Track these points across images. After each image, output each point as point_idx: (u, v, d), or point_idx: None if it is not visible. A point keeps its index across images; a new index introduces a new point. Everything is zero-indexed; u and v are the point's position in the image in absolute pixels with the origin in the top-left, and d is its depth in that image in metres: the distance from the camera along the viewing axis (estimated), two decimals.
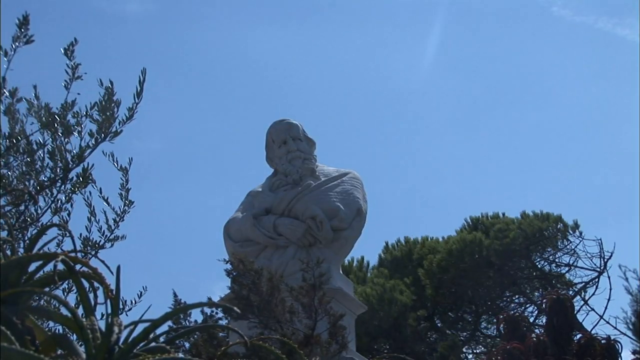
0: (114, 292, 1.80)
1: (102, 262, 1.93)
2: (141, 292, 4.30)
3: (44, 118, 3.84)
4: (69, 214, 4.15)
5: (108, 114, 3.92)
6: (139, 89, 4.04)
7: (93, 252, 4.15)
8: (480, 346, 18.76)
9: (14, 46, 3.67)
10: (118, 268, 1.84)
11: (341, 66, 29.01)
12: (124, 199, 4.34)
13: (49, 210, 4.08)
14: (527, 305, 18.38)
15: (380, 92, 29.38)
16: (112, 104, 3.97)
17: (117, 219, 4.31)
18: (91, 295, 1.79)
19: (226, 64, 29.17)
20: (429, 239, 20.14)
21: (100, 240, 4.27)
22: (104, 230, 4.24)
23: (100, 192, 4.28)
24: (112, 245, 4.23)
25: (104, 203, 4.28)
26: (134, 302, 4.28)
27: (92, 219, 4.28)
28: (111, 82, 3.96)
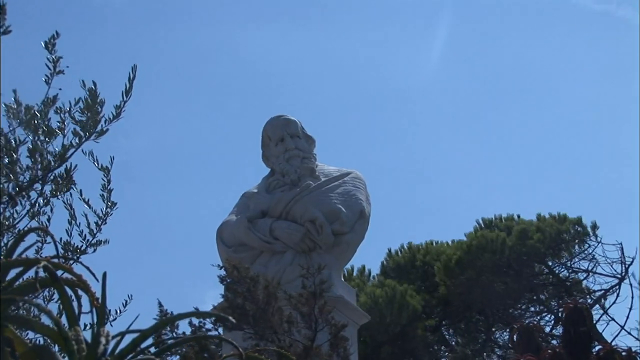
0: (99, 301, 1.80)
1: (87, 268, 1.94)
2: (126, 301, 4.30)
3: (23, 116, 3.84)
4: (48, 219, 4.15)
5: (92, 112, 3.92)
6: (127, 86, 4.04)
7: (74, 258, 4.15)
8: (493, 358, 18.79)
9: None
10: (104, 275, 1.84)
11: (344, 64, 29.38)
12: (106, 201, 4.34)
13: (27, 214, 4.08)
14: (543, 314, 18.41)
15: (383, 91, 29.64)
16: (96, 104, 3.98)
17: (100, 222, 4.31)
18: (75, 304, 1.80)
19: (220, 58, 29.24)
20: (435, 244, 20.17)
21: (82, 245, 4.27)
22: (85, 235, 4.24)
23: (81, 194, 4.27)
24: (94, 251, 4.24)
25: (85, 205, 4.28)
26: (118, 311, 4.29)
27: (73, 222, 4.27)
28: (94, 84, 3.96)
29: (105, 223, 4.26)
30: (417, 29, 29.35)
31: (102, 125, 4.05)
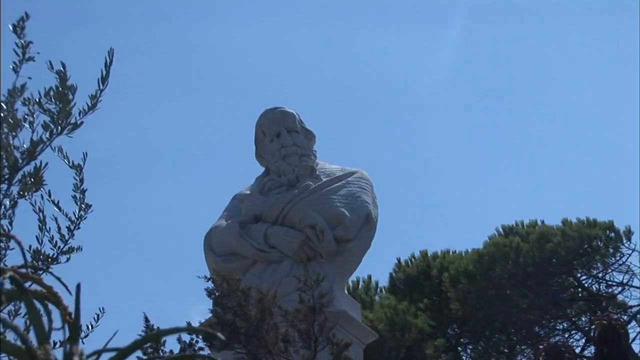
0: (72, 316, 1.80)
1: (58, 279, 1.93)
2: (98, 315, 4.29)
3: None
4: (10, 222, 4.14)
5: (64, 101, 3.91)
6: (104, 73, 4.04)
7: (44, 267, 4.15)
8: None
9: None
10: (78, 287, 1.83)
11: (355, 63, 30.55)
12: (79, 203, 4.33)
13: None
14: (572, 333, 18.38)
15: (394, 89, 30.67)
16: (66, 90, 3.96)
17: (72, 227, 4.30)
18: (45, 319, 1.79)
19: (216, 50, 29.40)
20: (452, 253, 20.19)
21: (53, 253, 4.26)
22: (56, 241, 4.22)
23: (50, 195, 4.26)
24: (67, 260, 4.22)
25: (55, 208, 4.27)
26: (90, 326, 4.28)
27: (43, 227, 4.27)
28: (63, 66, 3.95)
29: (79, 228, 4.25)
30: (430, 27, 30.65)
31: (75, 118, 4.04)
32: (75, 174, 4.26)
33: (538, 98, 30.27)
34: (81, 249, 4.25)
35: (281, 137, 9.74)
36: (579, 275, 18.25)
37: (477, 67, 30.47)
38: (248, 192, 9.79)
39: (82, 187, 4.26)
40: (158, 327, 7.01)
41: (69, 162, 4.19)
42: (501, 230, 19.61)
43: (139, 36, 27.78)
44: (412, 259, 20.39)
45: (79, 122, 3.99)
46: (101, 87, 3.97)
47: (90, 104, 4.00)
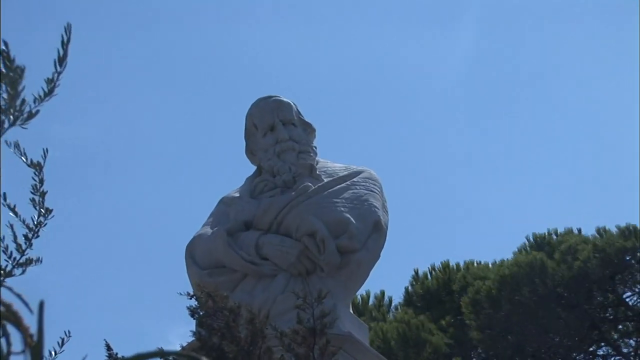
0: (34, 338, 1.81)
1: (18, 296, 1.95)
2: (63, 339, 4.29)
3: None
4: None
5: (12, 84, 3.90)
6: (61, 53, 4.02)
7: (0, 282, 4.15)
8: None
9: None
10: (41, 305, 1.84)
11: (365, 58, 32.71)
12: (38, 207, 4.32)
13: None
14: (615, 358, 18.34)
15: (409, 86, 30.93)
16: (12, 72, 3.94)
17: (30, 236, 4.29)
18: (3, 342, 1.81)
19: (202, 33, 29.44)
20: (476, 264, 20.19)
21: (7, 265, 4.25)
22: (11, 252, 4.22)
23: (5, 199, 4.25)
24: (23, 272, 4.21)
25: (11, 214, 4.26)
26: (54, 352, 4.28)
27: None
28: (6, 44, 3.94)
29: (38, 236, 4.24)
30: (443, 23, 32.97)
31: (30, 106, 4.02)
32: (34, 173, 4.24)
33: (572, 93, 30.48)
34: (41, 261, 4.23)
35: (276, 131, 9.74)
36: (620, 292, 18.21)
37: (497, 61, 31.04)
38: (237, 194, 9.77)
39: (41, 189, 4.23)
40: (123, 357, 7.00)
41: (26, 159, 4.17)
42: (532, 239, 19.62)
43: (116, 19, 27.84)
44: (432, 271, 20.42)
45: (34, 111, 3.97)
46: (58, 69, 3.94)
47: (46, 90, 3.97)
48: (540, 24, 31.19)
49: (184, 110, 30.57)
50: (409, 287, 20.40)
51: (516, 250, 19.50)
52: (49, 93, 3.99)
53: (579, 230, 19.52)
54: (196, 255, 9.48)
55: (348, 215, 9.21)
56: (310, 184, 9.46)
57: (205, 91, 31.00)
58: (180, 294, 7.82)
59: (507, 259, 19.42)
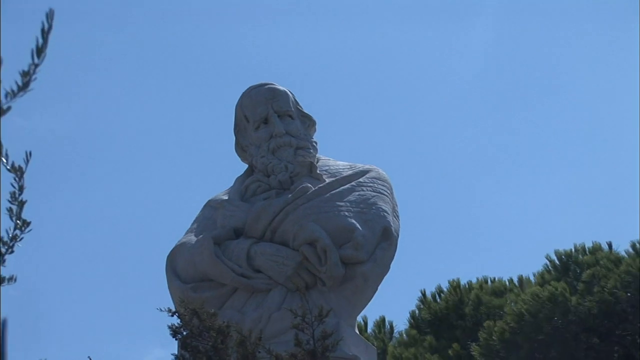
0: None
1: None
2: None
3: None
4: None
5: None
6: (40, 42, 3.92)
7: None
8: None
9: None
10: (3, 323, 1.79)
11: (379, 53, 33.38)
12: (15, 219, 4.26)
13: None
14: None
15: (424, 84, 33.24)
16: None
17: (4, 251, 4.23)
18: None
19: (191, 22, 29.65)
20: (491, 282, 20.11)
21: None
22: None
23: None
24: None
25: None
26: None
27: None
28: None
29: (12, 252, 4.16)
30: (459, 18, 33.67)
31: (1, 100, 3.91)
32: (14, 179, 4.14)
33: (599, 90, 30.81)
34: (15, 280, 4.15)
35: (270, 124, 9.71)
36: None
37: (517, 58, 31.71)
38: (225, 197, 9.74)
39: (20, 198, 4.13)
40: None
41: (7, 163, 4.07)
42: (554, 257, 19.54)
43: (100, 6, 28.10)
44: (441, 292, 20.33)
45: (5, 107, 3.86)
46: (36, 60, 3.84)
47: (21, 84, 3.86)
48: (561, 18, 31.54)
49: (168, 102, 30.78)
50: (415, 311, 20.33)
51: (537, 272, 19.43)
52: (24, 88, 3.89)
53: (609, 245, 19.42)
54: (178, 267, 9.45)
55: (353, 221, 9.18)
56: (309, 185, 9.43)
57: (193, 81, 31.41)
58: (161, 310, 7.81)
59: (526, 276, 19.38)
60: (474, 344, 18.08)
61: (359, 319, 19.00)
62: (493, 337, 17.81)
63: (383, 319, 20.50)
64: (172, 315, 7.76)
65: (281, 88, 9.95)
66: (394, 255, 9.44)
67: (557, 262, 19.58)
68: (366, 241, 9.12)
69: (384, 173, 9.88)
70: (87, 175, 29.54)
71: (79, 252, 28.55)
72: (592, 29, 32.41)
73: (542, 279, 19.19)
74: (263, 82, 10.03)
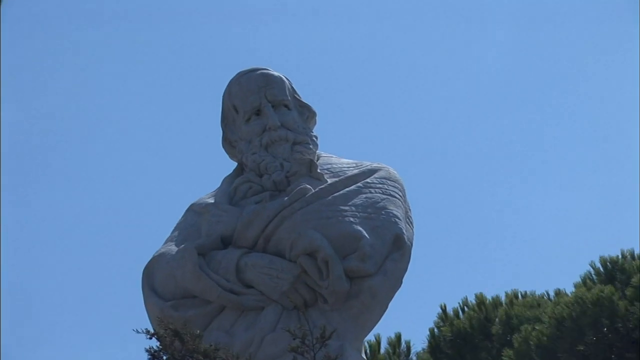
0: None
1: None
2: None
3: None
4: None
5: None
6: None
7: None
8: None
9: None
10: None
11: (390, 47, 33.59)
12: None
13: None
14: None
15: (443, 77, 32.45)
16: None
17: None
18: None
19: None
20: (522, 296, 20.03)
21: None
22: None
23: None
24: None
25: None
26: None
27: None
28: None
29: None
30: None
31: None
32: None
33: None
34: None
35: (263, 115, 9.69)
36: None
37: (548, 48, 31.71)
38: (211, 200, 9.69)
39: None
40: None
41: None
42: (599, 265, 19.50)
43: None
44: (464, 307, 20.32)
45: None
46: None
47: None
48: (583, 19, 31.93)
49: (146, 92, 30.86)
50: (435, 329, 20.26)
51: (579, 280, 19.32)
52: None
53: None
54: (156, 281, 9.42)
55: (359, 228, 9.13)
56: (308, 186, 9.37)
57: (176, 68, 31.38)
58: (137, 331, 7.83)
59: (564, 290, 19.31)
60: (506, 348, 18.09)
61: (371, 337, 19.09)
62: (529, 343, 17.77)
63: (399, 337, 20.41)
64: (150, 338, 7.80)
65: (276, 73, 9.93)
66: (407, 267, 9.37)
67: (601, 269, 19.52)
68: (374, 251, 9.06)
69: (396, 172, 9.83)
70: (50, 175, 29.60)
71: (50, 257, 28.60)
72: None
73: (585, 287, 19.12)
74: (254, 66, 10.01)
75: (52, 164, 30.42)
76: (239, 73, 9.95)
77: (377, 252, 9.09)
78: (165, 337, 7.67)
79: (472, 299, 20.43)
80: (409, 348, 20.06)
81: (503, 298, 20.32)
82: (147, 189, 29.68)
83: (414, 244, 9.51)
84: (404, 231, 9.34)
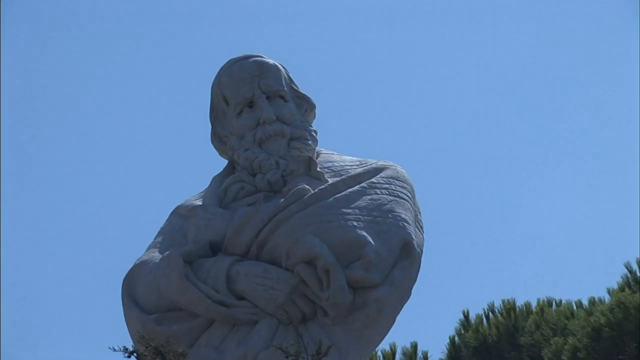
0: None
1: None
2: None
3: None
4: None
5: None
6: None
7: None
8: None
9: None
10: None
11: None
12: None
13: None
14: None
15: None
16: None
17: None
18: None
19: None
20: (555, 305, 20.00)
21: None
22: None
23: None
24: None
25: None
26: None
27: None
28: None
29: None
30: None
31: None
32: None
33: None
34: None
35: (256, 107, 9.68)
36: None
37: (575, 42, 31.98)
38: (199, 202, 9.69)
39: None
40: None
41: None
42: (635, 268, 19.53)
43: None
44: (489, 314, 20.32)
45: None
46: None
47: None
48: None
49: (128, 83, 31.11)
50: (456, 338, 20.28)
51: (613, 285, 19.28)
52: None
53: None
54: (137, 292, 9.41)
55: (364, 233, 9.12)
56: (307, 187, 9.35)
57: (159, 54, 31.64)
58: (114, 349, 7.81)
59: (601, 298, 19.25)
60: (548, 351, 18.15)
61: (385, 346, 19.13)
62: (563, 355, 17.74)
63: (415, 347, 20.41)
64: (129, 356, 7.82)
65: (271, 61, 9.90)
66: (416, 276, 9.36)
67: (639, 272, 19.57)
68: (380, 259, 9.04)
69: (404, 171, 9.79)
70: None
71: (23, 265, 28.87)
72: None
73: (621, 292, 19.11)
74: (247, 53, 9.99)
75: (47, 162, 30.70)
76: (229, 60, 9.92)
77: (384, 259, 9.06)
78: (146, 355, 7.72)
79: (498, 305, 20.46)
80: (426, 358, 20.05)
81: (534, 305, 20.32)
82: (128, 190, 29.91)
83: (423, 251, 9.51)
84: (413, 236, 9.31)
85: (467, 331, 20.23)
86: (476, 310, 20.62)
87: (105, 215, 29.47)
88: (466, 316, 20.54)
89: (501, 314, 20.24)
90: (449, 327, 20.53)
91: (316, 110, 10.10)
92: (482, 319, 20.42)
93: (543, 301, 20.47)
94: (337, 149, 10.16)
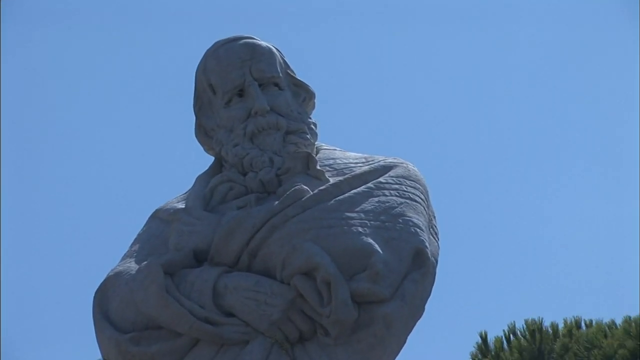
0: None
1: None
2: None
3: None
4: None
5: None
6: None
7: None
8: None
9: None
10: None
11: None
12: None
13: None
14: None
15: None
16: None
17: None
18: None
19: None
20: (584, 326, 20.17)
21: None
22: None
23: None
24: None
25: None
26: None
27: None
28: None
29: None
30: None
31: None
32: None
33: None
34: None
35: (247, 96, 9.67)
36: None
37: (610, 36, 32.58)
38: (182, 205, 9.70)
39: None
40: None
41: None
42: None
43: None
44: (510, 336, 20.54)
45: None
46: None
47: None
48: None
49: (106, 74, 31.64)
50: None
51: None
52: None
53: None
54: (112, 308, 9.38)
55: (370, 241, 9.08)
56: (305, 187, 9.32)
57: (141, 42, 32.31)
58: None
59: (636, 315, 19.46)
60: None
61: None
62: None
63: None
64: None
65: (264, 43, 9.87)
66: (430, 289, 9.34)
67: None
68: (389, 270, 9.00)
69: (416, 170, 9.77)
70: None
71: None
72: None
73: None
74: (237, 34, 9.97)
75: (47, 163, 31.52)
76: (216, 42, 9.91)
77: (393, 270, 9.02)
78: None
79: (521, 326, 20.72)
80: None
81: (561, 325, 20.57)
82: (102, 191, 30.54)
83: (439, 261, 9.49)
84: (427, 244, 9.28)
85: (485, 356, 20.44)
86: (495, 332, 20.83)
87: (101, 214, 30.30)
88: (484, 339, 20.79)
89: (524, 337, 20.44)
90: (464, 352, 20.77)
91: (316, 100, 10.09)
92: (501, 342, 20.65)
93: (571, 322, 20.70)
94: (340, 144, 10.15)
